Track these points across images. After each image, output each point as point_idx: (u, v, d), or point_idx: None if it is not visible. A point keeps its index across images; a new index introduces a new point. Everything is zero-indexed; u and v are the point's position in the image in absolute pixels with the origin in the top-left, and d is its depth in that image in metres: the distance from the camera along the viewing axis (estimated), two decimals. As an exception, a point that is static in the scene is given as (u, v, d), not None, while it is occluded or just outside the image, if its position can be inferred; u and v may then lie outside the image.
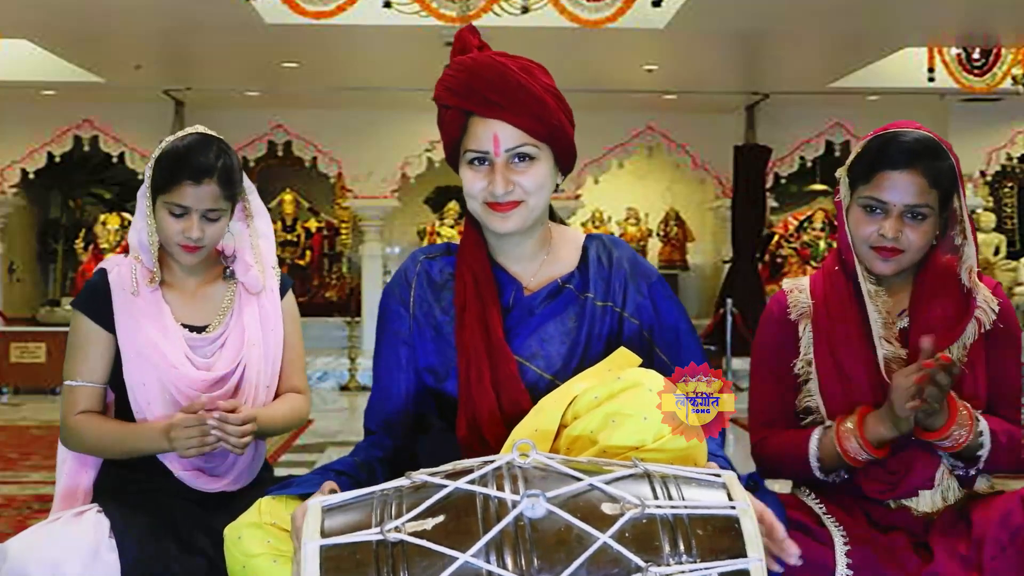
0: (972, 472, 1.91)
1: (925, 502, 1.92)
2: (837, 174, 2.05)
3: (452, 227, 11.02)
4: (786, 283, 2.11)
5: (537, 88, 1.72)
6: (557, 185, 1.80)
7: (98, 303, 2.11)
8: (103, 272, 2.15)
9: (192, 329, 2.14)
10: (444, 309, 1.82)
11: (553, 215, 1.91)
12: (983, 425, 1.85)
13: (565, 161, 1.79)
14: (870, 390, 1.92)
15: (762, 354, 2.09)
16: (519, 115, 1.69)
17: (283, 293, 2.26)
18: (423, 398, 1.85)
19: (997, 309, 1.95)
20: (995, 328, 1.95)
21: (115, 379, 2.12)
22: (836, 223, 2.08)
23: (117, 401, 2.15)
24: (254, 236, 2.24)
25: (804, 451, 1.94)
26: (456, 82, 1.75)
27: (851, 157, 2.02)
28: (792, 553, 1.41)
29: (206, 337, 2.14)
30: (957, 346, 1.92)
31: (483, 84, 1.71)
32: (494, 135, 1.70)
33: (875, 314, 1.96)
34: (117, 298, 2.10)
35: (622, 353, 1.65)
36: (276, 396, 2.23)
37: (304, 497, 1.57)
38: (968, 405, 1.85)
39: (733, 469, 1.56)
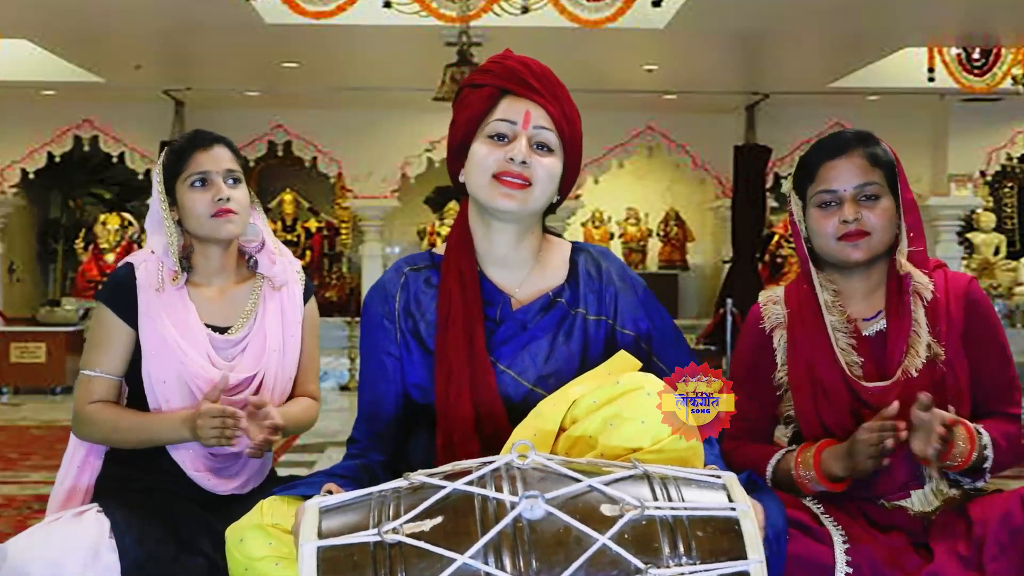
0: (979, 484, 1.92)
1: (918, 501, 1.92)
2: (784, 190, 2.10)
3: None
4: (762, 295, 2.14)
5: (570, 96, 1.79)
6: (553, 206, 1.82)
7: (123, 297, 2.12)
8: (130, 267, 2.16)
9: (215, 330, 2.15)
10: (429, 323, 1.79)
11: (545, 227, 1.90)
12: (986, 439, 1.85)
13: (566, 180, 1.80)
14: (844, 398, 1.94)
15: (736, 367, 2.13)
16: (552, 103, 1.74)
17: (306, 299, 2.28)
18: (410, 409, 1.83)
19: (931, 283, 1.96)
20: (971, 324, 1.96)
21: (132, 374, 2.13)
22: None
23: (131, 396, 2.16)
24: (274, 239, 2.28)
25: (762, 471, 1.98)
26: (498, 66, 1.78)
27: (792, 172, 2.09)
28: None
29: (229, 339, 2.15)
30: (924, 333, 1.92)
31: (526, 70, 1.76)
32: (527, 111, 1.73)
33: (834, 321, 1.98)
34: (143, 294, 2.12)
35: (622, 356, 1.65)
36: (290, 399, 2.24)
37: (307, 498, 1.56)
38: (968, 424, 1.85)
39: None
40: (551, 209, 1.85)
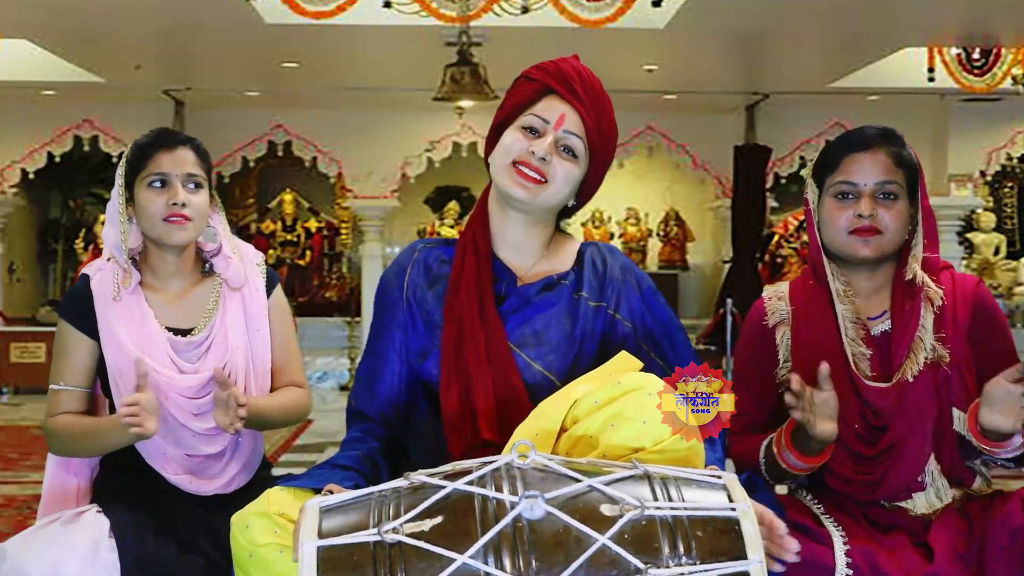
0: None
1: (920, 503, 1.92)
2: (803, 173, 2.09)
3: (452, 227, 11.02)
4: (767, 290, 2.13)
5: (614, 114, 1.85)
6: (567, 208, 1.88)
7: (81, 309, 2.11)
8: (86, 278, 2.14)
9: (177, 332, 2.12)
10: (437, 295, 1.86)
11: (559, 227, 1.96)
12: None
13: (586, 187, 1.86)
14: (847, 395, 1.91)
15: (740, 362, 2.12)
16: (590, 112, 1.80)
17: (270, 290, 2.24)
18: (414, 384, 1.87)
19: (942, 289, 1.95)
20: (978, 326, 1.95)
21: (107, 383, 2.11)
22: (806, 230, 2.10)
23: (111, 406, 2.15)
24: (231, 239, 2.24)
25: (755, 459, 1.95)
26: (553, 66, 1.84)
27: (815, 159, 2.07)
28: (792, 549, 1.44)
29: (191, 341, 2.12)
30: (928, 339, 1.92)
31: (575, 75, 1.82)
32: (562, 113, 1.79)
33: (845, 311, 1.97)
34: (99, 304, 2.10)
35: (623, 357, 1.66)
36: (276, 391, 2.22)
37: (315, 490, 1.59)
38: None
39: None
40: (568, 214, 1.92)
